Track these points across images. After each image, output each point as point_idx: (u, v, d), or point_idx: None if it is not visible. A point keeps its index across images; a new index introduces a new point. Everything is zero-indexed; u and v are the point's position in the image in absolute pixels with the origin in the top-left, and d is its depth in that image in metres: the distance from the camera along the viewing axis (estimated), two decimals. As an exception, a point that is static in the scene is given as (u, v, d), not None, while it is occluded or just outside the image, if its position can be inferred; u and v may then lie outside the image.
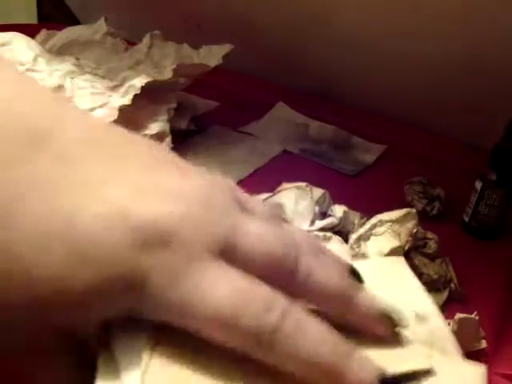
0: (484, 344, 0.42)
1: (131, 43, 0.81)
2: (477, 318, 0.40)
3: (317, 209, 0.49)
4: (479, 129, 0.67)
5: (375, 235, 0.44)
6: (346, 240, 0.47)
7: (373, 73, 0.73)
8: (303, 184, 0.49)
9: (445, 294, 0.46)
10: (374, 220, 0.45)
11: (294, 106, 0.77)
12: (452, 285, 0.47)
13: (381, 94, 0.75)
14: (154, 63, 0.66)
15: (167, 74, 0.59)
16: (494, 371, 0.41)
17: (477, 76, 0.65)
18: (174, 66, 0.59)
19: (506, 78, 0.63)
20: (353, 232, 0.47)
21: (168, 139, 0.58)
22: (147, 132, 0.57)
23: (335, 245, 0.45)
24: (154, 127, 0.57)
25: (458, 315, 0.39)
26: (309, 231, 0.44)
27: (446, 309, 0.45)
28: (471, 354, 0.41)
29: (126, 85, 0.57)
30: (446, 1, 0.61)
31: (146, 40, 0.70)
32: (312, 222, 0.47)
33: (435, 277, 0.46)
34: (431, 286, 0.46)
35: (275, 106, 0.77)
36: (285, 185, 0.49)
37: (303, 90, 0.80)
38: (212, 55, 0.65)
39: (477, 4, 0.59)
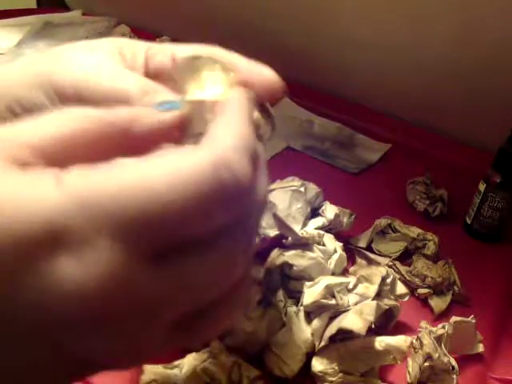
0: (481, 348, 0.41)
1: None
2: (473, 321, 0.39)
3: (309, 209, 0.47)
4: (484, 130, 0.66)
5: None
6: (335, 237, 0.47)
7: (379, 72, 0.73)
8: (298, 183, 0.47)
9: (448, 297, 0.45)
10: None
11: (299, 101, 0.76)
12: (455, 287, 0.46)
13: (386, 93, 0.74)
14: None
15: None
16: (491, 376, 0.41)
17: (482, 77, 0.64)
18: None
19: (511, 80, 0.62)
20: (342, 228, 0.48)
21: None
22: None
23: (328, 241, 0.44)
24: None
25: (454, 318, 0.39)
26: (301, 233, 0.43)
27: (450, 312, 0.45)
28: (468, 358, 0.41)
29: None
30: (447, 7, 0.60)
31: None
32: (304, 224, 0.46)
33: (439, 280, 0.45)
34: (435, 289, 0.46)
35: (280, 102, 0.76)
36: (279, 183, 0.48)
37: (308, 86, 0.79)
38: None
39: (477, 8, 0.59)
